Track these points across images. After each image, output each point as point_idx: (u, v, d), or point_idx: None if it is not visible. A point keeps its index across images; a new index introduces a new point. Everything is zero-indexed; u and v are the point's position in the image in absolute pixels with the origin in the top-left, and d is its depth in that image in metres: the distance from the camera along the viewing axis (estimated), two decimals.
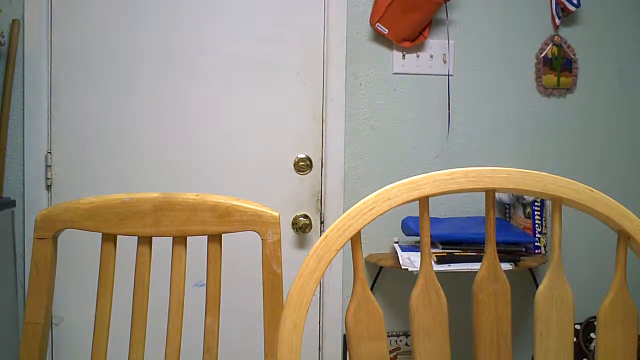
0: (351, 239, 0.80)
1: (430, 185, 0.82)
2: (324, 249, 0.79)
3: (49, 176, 2.09)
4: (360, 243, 0.82)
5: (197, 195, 1.03)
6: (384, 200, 0.81)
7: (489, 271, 0.84)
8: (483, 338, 0.85)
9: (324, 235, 0.80)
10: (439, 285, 0.84)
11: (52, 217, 1.02)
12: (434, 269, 0.92)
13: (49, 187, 2.10)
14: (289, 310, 0.78)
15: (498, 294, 0.84)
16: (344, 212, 2.22)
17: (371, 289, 1.76)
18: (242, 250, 1.96)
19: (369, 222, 0.81)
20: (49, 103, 2.09)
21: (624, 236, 0.83)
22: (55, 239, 1.03)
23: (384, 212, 0.80)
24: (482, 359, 0.85)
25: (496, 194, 0.85)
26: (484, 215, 2.47)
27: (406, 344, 2.27)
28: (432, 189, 0.82)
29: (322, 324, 2.23)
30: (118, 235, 1.04)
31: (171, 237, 1.04)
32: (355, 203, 0.81)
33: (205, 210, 1.02)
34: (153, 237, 1.04)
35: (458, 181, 0.82)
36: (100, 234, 1.04)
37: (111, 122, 2.12)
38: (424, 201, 0.82)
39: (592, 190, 0.82)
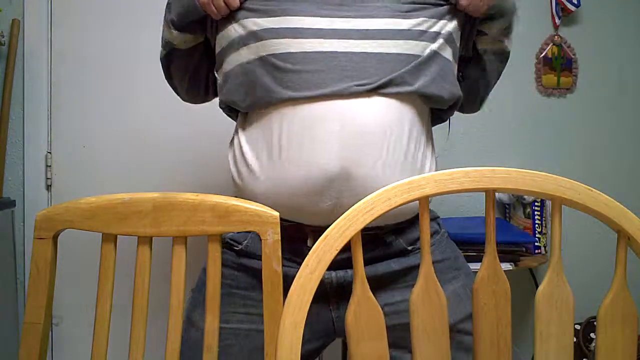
0: (351, 239, 0.80)
1: (430, 185, 0.82)
2: (324, 249, 0.79)
3: (49, 176, 2.09)
4: (360, 243, 0.82)
5: (197, 195, 1.03)
6: (384, 200, 0.81)
7: (489, 271, 0.84)
8: (483, 338, 0.85)
9: (324, 235, 0.80)
10: (439, 285, 0.84)
11: (52, 217, 1.02)
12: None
13: (49, 187, 2.10)
14: (289, 310, 0.78)
15: (498, 294, 0.84)
16: None
17: None
18: None
19: (369, 222, 0.81)
20: (49, 103, 2.09)
21: (624, 236, 0.83)
22: (55, 239, 1.03)
23: (384, 212, 0.80)
24: (482, 359, 0.85)
25: (496, 194, 0.85)
26: (483, 215, 2.46)
27: None
28: (432, 189, 0.82)
29: None
30: (118, 235, 1.04)
31: (171, 237, 1.04)
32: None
33: (205, 210, 1.01)
34: (153, 237, 1.04)
35: (458, 181, 0.82)
36: (100, 234, 1.04)
37: (111, 122, 2.12)
38: (424, 201, 0.82)
39: (592, 190, 0.82)
